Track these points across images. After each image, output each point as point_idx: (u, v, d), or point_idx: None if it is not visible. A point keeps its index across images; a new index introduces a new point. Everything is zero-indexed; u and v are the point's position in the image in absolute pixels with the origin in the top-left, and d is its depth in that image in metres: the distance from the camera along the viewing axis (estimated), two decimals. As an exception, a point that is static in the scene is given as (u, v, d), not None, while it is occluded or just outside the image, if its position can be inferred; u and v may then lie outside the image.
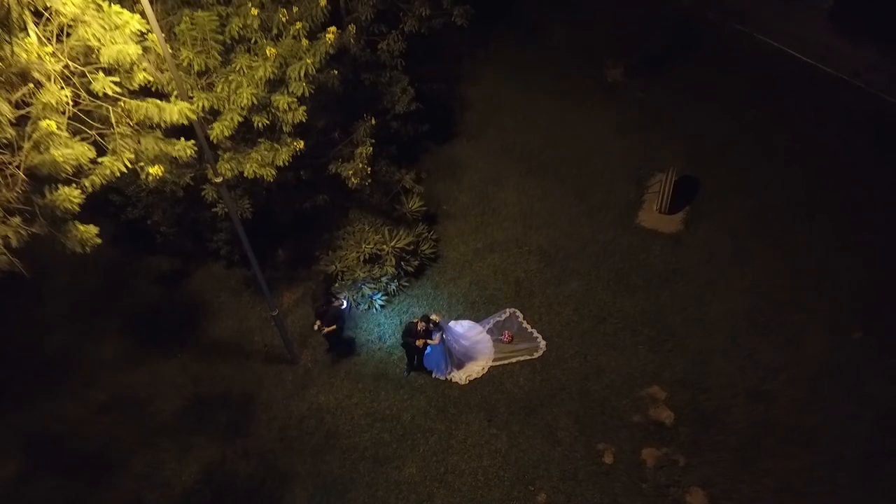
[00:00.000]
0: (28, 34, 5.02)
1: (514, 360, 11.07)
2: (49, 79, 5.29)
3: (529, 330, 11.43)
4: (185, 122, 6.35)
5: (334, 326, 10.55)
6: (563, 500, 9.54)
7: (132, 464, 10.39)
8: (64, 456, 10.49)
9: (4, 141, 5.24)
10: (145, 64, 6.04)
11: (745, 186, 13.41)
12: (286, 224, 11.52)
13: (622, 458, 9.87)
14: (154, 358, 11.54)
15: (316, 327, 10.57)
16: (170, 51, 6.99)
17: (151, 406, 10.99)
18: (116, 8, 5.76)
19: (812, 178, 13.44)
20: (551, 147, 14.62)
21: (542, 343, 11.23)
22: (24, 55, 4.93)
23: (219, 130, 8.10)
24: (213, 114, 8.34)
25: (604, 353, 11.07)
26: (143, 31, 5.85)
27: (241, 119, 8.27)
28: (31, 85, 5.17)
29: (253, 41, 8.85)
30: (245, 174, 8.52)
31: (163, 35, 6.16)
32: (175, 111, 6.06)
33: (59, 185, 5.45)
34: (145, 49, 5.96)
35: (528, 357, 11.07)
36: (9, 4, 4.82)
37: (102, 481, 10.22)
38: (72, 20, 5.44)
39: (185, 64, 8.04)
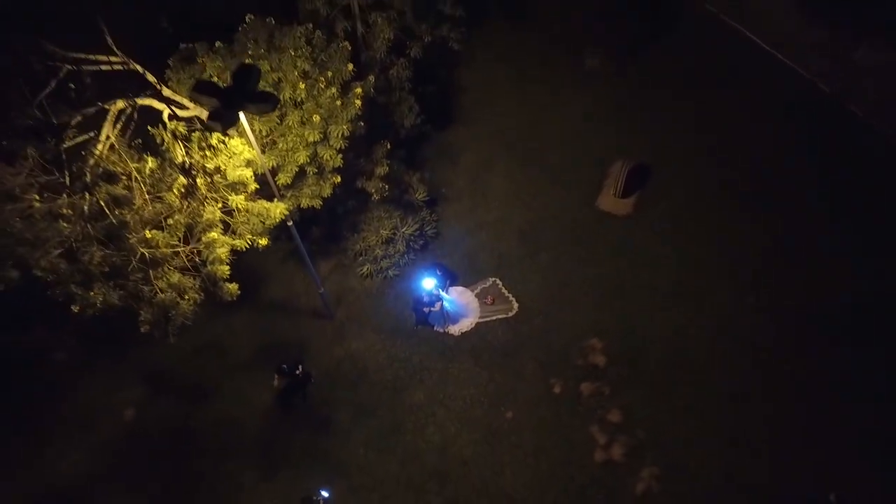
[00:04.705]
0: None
1: (494, 317, 15.65)
2: (207, 204, 9.26)
3: (507, 294, 15.91)
4: (283, 217, 10.35)
5: (299, 370, 14.18)
6: (524, 417, 14.50)
7: (222, 391, 15.34)
8: (172, 385, 15.44)
9: (181, 234, 9.35)
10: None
11: (688, 173, 17.28)
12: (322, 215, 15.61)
13: (567, 389, 14.71)
14: (226, 314, 16.12)
15: (275, 382, 14.32)
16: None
17: (229, 351, 15.79)
18: (234, 142, 9.61)
19: (745, 167, 17.20)
20: (533, 132, 18.28)
21: (516, 305, 15.77)
22: (210, 214, 8.92)
23: (283, 180, 12.07)
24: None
25: (561, 313, 15.63)
26: (250, 157, 9.72)
27: (297, 169, 12.18)
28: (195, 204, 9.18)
29: (300, 100, 12.52)
30: (302, 206, 12.57)
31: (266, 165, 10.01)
32: (277, 211, 10.09)
33: (216, 262, 9.62)
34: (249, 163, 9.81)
35: (505, 316, 15.64)
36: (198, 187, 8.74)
37: (203, 403, 15.21)
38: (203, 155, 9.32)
39: (256, 131, 11.83)
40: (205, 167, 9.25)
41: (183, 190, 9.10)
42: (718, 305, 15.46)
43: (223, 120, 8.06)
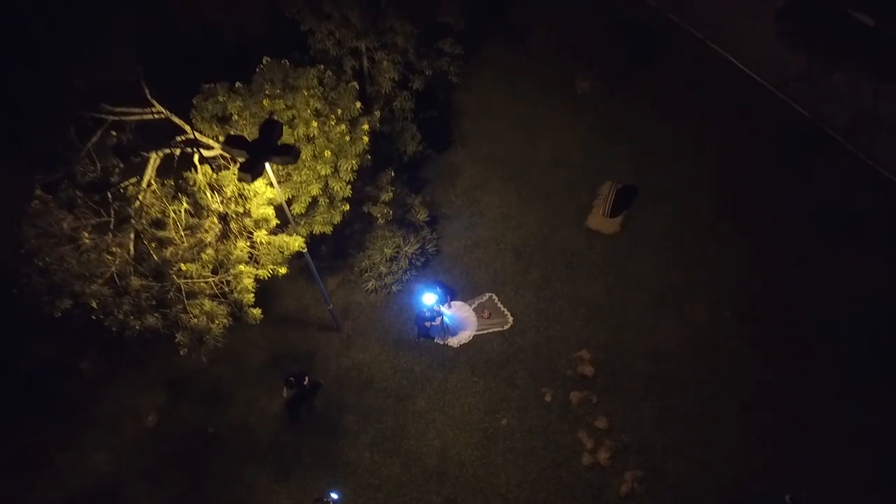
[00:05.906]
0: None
1: (490, 330, 17.02)
2: (236, 240, 10.61)
3: (502, 309, 17.28)
4: (301, 249, 11.70)
5: (306, 381, 15.56)
6: (517, 423, 15.90)
7: (237, 398, 16.71)
8: (192, 392, 16.80)
9: (211, 267, 10.70)
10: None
11: (673, 193, 18.60)
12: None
13: (557, 397, 16.09)
14: (242, 327, 17.35)
15: (284, 394, 15.78)
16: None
17: (245, 360, 17.14)
18: (256, 183, 10.94)
19: (726, 187, 18.55)
20: (527, 154, 19.61)
21: (511, 319, 17.13)
22: (240, 252, 10.24)
23: (297, 209, 13.41)
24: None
25: (552, 326, 16.99)
26: (272, 196, 11.06)
27: (310, 200, 13.51)
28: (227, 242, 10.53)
29: (312, 136, 13.83)
30: (314, 232, 13.91)
31: (285, 201, 11.38)
32: (295, 244, 11.43)
33: (243, 291, 10.97)
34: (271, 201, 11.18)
35: (500, 329, 17.02)
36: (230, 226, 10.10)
37: (220, 409, 16.58)
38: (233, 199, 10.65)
39: (274, 169, 13.15)
40: (236, 213, 10.62)
41: (218, 232, 10.46)
42: (698, 318, 16.83)
43: (252, 172, 9.39)
